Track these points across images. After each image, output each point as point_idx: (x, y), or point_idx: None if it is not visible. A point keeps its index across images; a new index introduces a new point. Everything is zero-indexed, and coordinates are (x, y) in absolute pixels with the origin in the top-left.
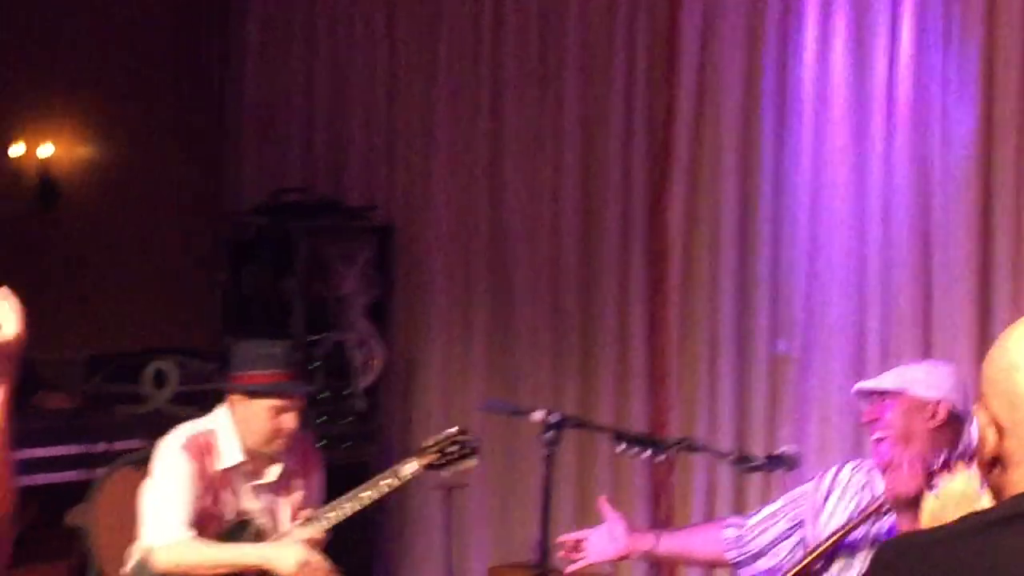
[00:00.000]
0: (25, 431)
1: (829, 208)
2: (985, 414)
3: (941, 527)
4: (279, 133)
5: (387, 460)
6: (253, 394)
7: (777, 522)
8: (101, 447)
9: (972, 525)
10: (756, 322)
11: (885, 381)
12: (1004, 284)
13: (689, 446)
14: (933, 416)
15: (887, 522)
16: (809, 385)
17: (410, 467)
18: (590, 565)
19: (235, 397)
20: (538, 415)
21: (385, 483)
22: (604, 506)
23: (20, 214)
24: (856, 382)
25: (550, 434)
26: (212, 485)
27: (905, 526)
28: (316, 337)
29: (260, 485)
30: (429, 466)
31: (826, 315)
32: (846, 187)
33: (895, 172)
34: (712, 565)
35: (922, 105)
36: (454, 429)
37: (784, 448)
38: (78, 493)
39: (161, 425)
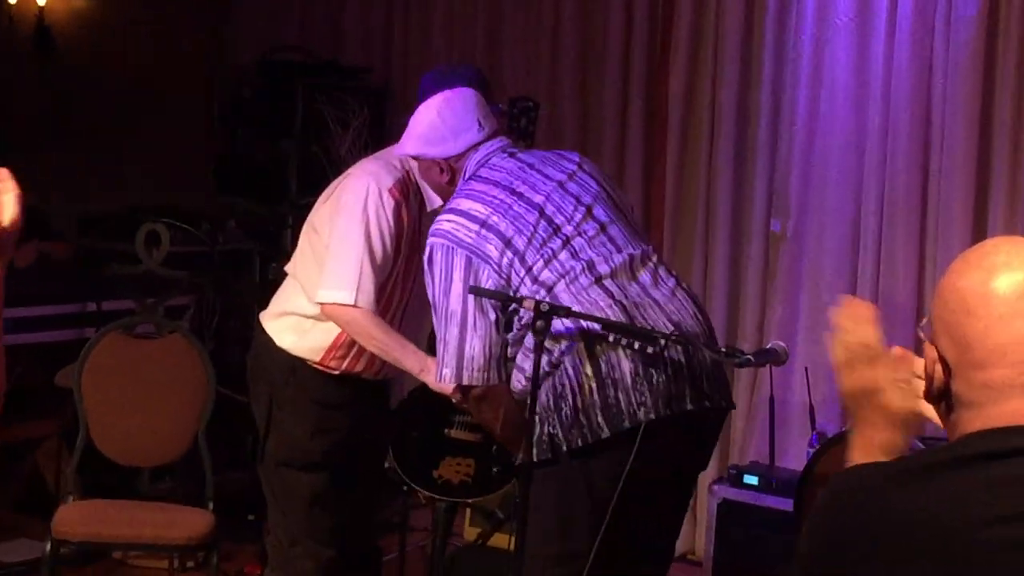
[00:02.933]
0: (16, 290)
1: (830, 87)
2: (933, 351)
3: (891, 464)
4: None
5: None
6: None
7: None
8: (91, 307)
9: (924, 464)
10: (752, 200)
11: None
12: (1002, 172)
13: (679, 339)
14: (442, 171)
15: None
16: (802, 265)
17: None
18: None
19: None
20: (529, 303)
21: None
22: None
23: (17, 63)
24: (849, 264)
25: (540, 323)
26: (404, 233)
27: None
28: (310, 200)
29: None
30: None
31: (822, 196)
32: (847, 68)
33: (897, 55)
34: None
35: None
36: None
37: (772, 344)
38: (68, 352)
39: (151, 287)
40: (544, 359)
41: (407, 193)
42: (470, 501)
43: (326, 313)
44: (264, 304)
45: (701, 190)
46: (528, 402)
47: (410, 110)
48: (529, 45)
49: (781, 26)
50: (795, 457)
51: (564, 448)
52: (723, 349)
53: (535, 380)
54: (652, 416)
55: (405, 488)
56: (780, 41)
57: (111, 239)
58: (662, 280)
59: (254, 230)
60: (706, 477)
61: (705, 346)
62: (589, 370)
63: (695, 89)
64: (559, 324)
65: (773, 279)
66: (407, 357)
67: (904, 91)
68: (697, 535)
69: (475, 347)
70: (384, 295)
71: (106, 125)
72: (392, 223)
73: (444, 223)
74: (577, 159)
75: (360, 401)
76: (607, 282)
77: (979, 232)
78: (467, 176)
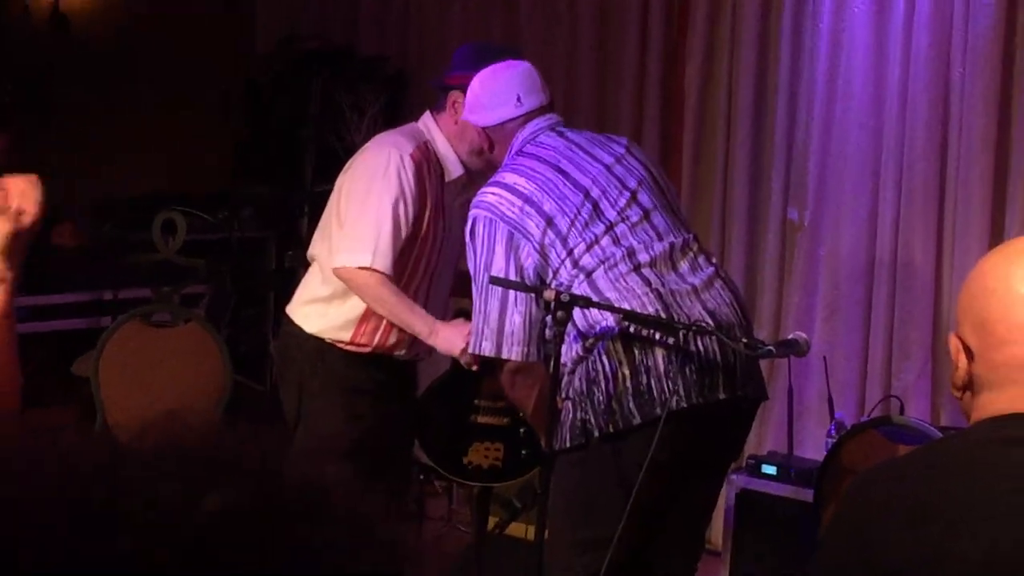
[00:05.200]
0: (33, 278)
1: (847, 76)
2: (956, 341)
3: (910, 453)
4: None
5: None
6: None
7: None
8: (107, 295)
9: (936, 453)
10: (769, 189)
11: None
12: (1022, 162)
13: (700, 329)
14: (481, 138)
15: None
16: (819, 254)
17: None
18: None
19: (457, 102)
20: (549, 293)
21: None
22: None
23: (33, 48)
24: (866, 254)
25: (560, 313)
26: (428, 198)
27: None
28: (326, 188)
29: (461, 203)
30: None
31: (840, 186)
32: (865, 57)
33: (915, 43)
34: None
35: None
36: None
37: (794, 335)
38: (84, 340)
39: (167, 275)
40: (578, 345)
41: (428, 160)
42: (501, 485)
43: (339, 276)
44: (281, 292)
45: (718, 178)
46: (551, 389)
47: (426, 97)
48: (547, 33)
49: (798, 13)
50: (813, 447)
51: (596, 434)
52: (744, 340)
53: (555, 370)
54: (684, 405)
55: (422, 477)
56: (797, 29)
57: (127, 227)
58: (700, 268)
59: (270, 218)
60: None
61: (728, 337)
62: (622, 357)
63: (712, 76)
64: (595, 311)
65: (790, 268)
66: (416, 320)
67: (922, 80)
68: (715, 525)
69: (515, 322)
70: (410, 262)
71: (123, 111)
72: (414, 185)
73: (488, 195)
74: (625, 143)
75: (388, 386)
76: (645, 270)
77: (998, 222)
78: (514, 152)
